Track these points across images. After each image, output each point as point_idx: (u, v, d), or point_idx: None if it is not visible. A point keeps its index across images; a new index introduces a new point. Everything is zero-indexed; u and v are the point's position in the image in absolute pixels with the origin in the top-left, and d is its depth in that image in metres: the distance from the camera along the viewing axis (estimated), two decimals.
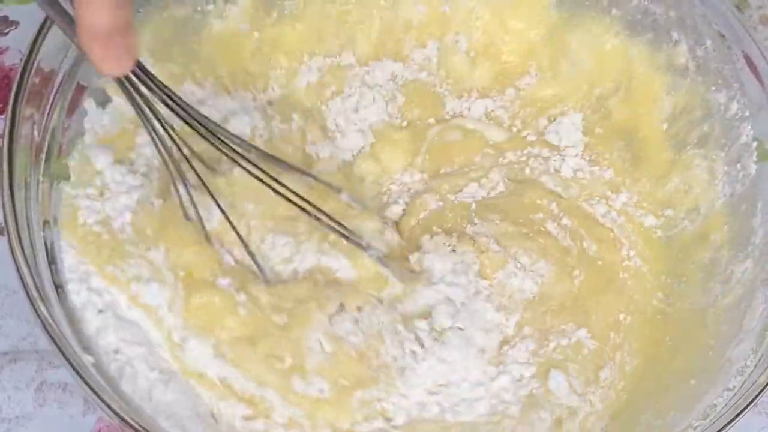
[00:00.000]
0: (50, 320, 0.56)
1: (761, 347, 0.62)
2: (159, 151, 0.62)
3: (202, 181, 0.65)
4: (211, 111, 0.73)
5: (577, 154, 0.82)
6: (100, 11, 0.48)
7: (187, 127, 0.62)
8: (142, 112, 0.59)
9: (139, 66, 0.57)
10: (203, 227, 0.68)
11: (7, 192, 0.58)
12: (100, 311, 0.64)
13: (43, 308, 0.56)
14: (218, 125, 0.65)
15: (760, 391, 0.59)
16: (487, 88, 0.85)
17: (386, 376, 0.68)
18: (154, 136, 0.61)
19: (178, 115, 0.61)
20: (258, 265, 0.68)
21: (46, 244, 0.63)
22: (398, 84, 0.84)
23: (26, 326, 0.74)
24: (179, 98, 0.60)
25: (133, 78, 0.57)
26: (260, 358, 0.66)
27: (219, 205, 0.66)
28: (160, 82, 0.59)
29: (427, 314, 0.72)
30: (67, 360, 0.55)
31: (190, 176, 0.65)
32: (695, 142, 0.77)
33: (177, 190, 0.66)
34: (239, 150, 0.65)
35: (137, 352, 0.64)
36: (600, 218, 0.80)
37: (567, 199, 0.80)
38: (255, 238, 0.70)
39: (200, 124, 0.62)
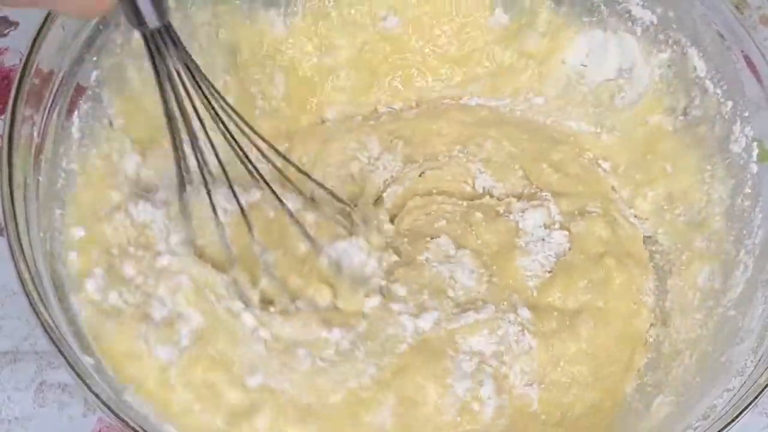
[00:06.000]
0: (50, 321, 0.56)
1: (761, 347, 0.62)
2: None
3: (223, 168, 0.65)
4: None
5: None
6: None
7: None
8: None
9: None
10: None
11: (7, 192, 0.58)
12: None
13: (42, 309, 0.56)
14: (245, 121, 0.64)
15: (760, 392, 0.59)
16: None
17: None
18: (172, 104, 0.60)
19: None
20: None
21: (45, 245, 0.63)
22: None
23: (26, 327, 0.74)
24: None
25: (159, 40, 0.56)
26: None
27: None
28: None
29: None
30: (67, 361, 0.55)
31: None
32: (695, 142, 0.77)
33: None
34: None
35: None
36: None
37: None
38: None
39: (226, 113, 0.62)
